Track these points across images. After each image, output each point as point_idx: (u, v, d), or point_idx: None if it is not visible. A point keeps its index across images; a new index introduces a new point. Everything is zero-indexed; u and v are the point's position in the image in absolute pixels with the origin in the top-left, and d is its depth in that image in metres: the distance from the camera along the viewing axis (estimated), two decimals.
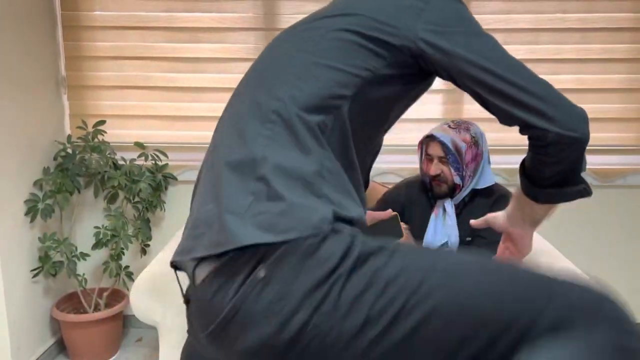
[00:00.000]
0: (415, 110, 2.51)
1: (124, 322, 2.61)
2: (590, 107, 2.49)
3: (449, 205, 1.72)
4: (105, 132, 2.43)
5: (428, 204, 1.79)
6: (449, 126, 1.69)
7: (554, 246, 2.04)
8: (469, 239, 1.71)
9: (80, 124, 2.42)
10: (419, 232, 1.75)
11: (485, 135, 1.74)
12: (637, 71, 2.46)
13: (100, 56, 2.49)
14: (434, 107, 2.53)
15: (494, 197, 1.74)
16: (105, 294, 2.45)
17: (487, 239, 1.69)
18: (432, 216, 1.73)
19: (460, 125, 1.70)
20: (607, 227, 2.58)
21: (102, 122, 2.39)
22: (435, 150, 1.69)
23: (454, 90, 2.51)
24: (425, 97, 2.51)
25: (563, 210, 2.54)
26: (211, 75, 2.50)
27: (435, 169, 1.70)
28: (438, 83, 2.50)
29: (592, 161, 2.54)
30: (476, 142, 1.69)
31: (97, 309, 2.42)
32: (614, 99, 2.49)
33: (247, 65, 2.49)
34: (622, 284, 2.62)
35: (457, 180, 1.70)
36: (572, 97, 2.48)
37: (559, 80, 2.47)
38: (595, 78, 2.47)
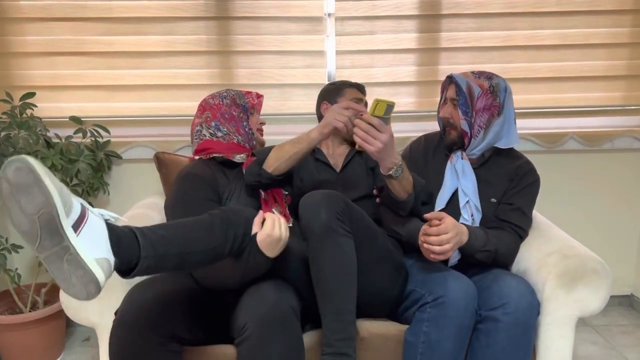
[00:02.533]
0: (387, 72, 2.32)
1: (68, 321, 2.36)
2: (574, 64, 2.34)
3: (458, 155, 1.69)
4: (35, 106, 2.18)
5: (444, 157, 1.75)
6: (472, 72, 1.69)
7: (542, 215, 1.93)
8: (493, 200, 1.68)
9: (5, 97, 2.17)
10: (434, 185, 1.71)
11: (511, 93, 1.69)
12: (623, 24, 2.30)
13: (25, 18, 2.23)
14: (406, 68, 2.33)
15: (517, 163, 1.70)
16: (43, 290, 2.21)
17: (514, 205, 1.66)
18: (448, 164, 1.71)
19: (482, 73, 1.68)
20: (595, 193, 2.45)
21: (31, 95, 2.16)
22: (450, 92, 1.68)
23: (428, 49, 2.32)
24: (395, 58, 2.32)
25: (549, 178, 2.39)
26: (155, 38, 2.26)
27: (444, 111, 1.70)
28: (411, 41, 2.30)
29: (577, 124, 2.40)
30: (494, 91, 1.64)
31: (34, 307, 2.20)
32: (599, 55, 2.34)
33: (195, 25, 2.26)
34: (611, 251, 2.51)
35: (464, 125, 1.65)
36: (554, 55, 2.34)
37: (540, 35, 2.31)
38: (578, 33, 2.31)
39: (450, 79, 1.68)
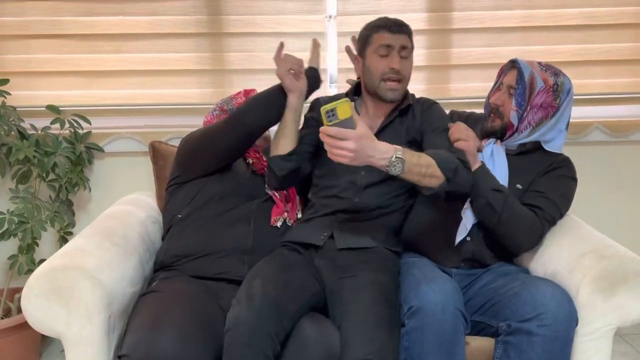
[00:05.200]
0: None
1: None
2: (600, 46, 2.20)
3: (491, 143, 1.61)
4: (9, 94, 2.08)
5: (479, 138, 1.64)
6: (539, 63, 1.60)
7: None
8: (519, 186, 1.58)
9: None
10: None
11: (573, 97, 1.60)
12: None
13: None
14: (415, 52, 2.11)
15: (554, 157, 1.61)
16: (17, 295, 2.08)
17: (545, 193, 1.55)
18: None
19: (550, 67, 1.59)
20: (621, 189, 2.30)
21: (4, 82, 2.06)
22: (509, 78, 1.59)
23: (440, 30, 2.16)
24: None
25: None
26: (139, 18, 2.15)
27: (496, 97, 1.60)
28: (420, 21, 2.13)
29: (602, 113, 2.25)
30: (556, 90, 1.55)
31: (7, 314, 2.07)
32: (628, 37, 2.19)
33: (183, 4, 2.13)
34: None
35: (512, 117, 1.55)
36: (578, 36, 2.20)
37: (565, 15, 2.16)
38: (605, 11, 2.16)
39: (513, 64, 1.59)
